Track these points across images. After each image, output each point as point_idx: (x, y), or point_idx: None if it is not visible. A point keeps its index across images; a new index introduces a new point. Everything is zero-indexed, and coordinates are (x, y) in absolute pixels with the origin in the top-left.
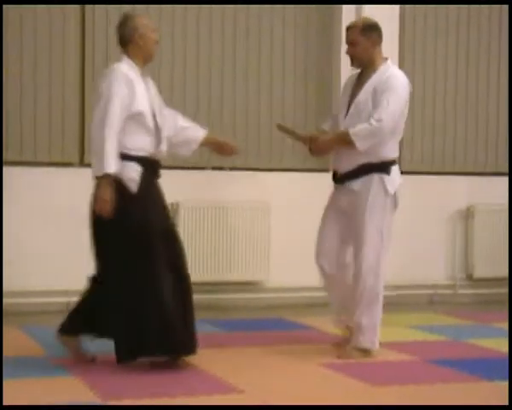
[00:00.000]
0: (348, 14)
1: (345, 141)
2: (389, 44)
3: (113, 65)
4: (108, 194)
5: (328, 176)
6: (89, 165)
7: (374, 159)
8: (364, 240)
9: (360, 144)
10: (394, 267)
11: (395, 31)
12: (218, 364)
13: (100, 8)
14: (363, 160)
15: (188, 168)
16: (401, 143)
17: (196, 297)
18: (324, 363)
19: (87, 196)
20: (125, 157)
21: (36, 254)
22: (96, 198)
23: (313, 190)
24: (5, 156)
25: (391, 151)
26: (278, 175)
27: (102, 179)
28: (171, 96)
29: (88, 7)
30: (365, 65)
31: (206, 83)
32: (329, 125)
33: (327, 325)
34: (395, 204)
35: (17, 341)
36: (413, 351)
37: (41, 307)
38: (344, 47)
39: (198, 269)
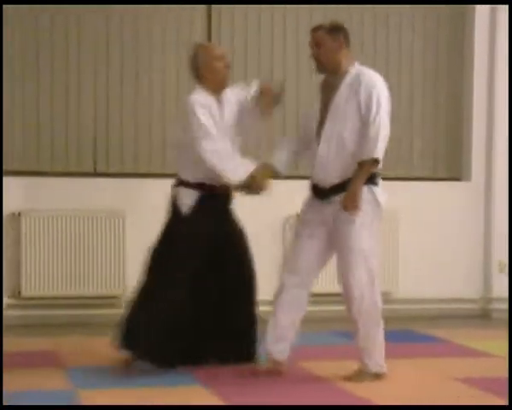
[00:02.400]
0: (481, 15)
1: (364, 170)
2: None
3: (190, 97)
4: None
5: (459, 185)
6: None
7: None
8: (355, 258)
9: (377, 154)
10: None
11: None
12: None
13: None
14: (350, 173)
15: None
16: None
17: (324, 309)
18: (461, 378)
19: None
20: (182, 183)
21: None
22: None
23: (442, 199)
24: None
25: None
26: (407, 184)
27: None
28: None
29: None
30: (330, 69)
31: None
32: (286, 155)
33: (458, 337)
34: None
35: None
36: None
37: None
38: (477, 55)
39: (327, 280)
